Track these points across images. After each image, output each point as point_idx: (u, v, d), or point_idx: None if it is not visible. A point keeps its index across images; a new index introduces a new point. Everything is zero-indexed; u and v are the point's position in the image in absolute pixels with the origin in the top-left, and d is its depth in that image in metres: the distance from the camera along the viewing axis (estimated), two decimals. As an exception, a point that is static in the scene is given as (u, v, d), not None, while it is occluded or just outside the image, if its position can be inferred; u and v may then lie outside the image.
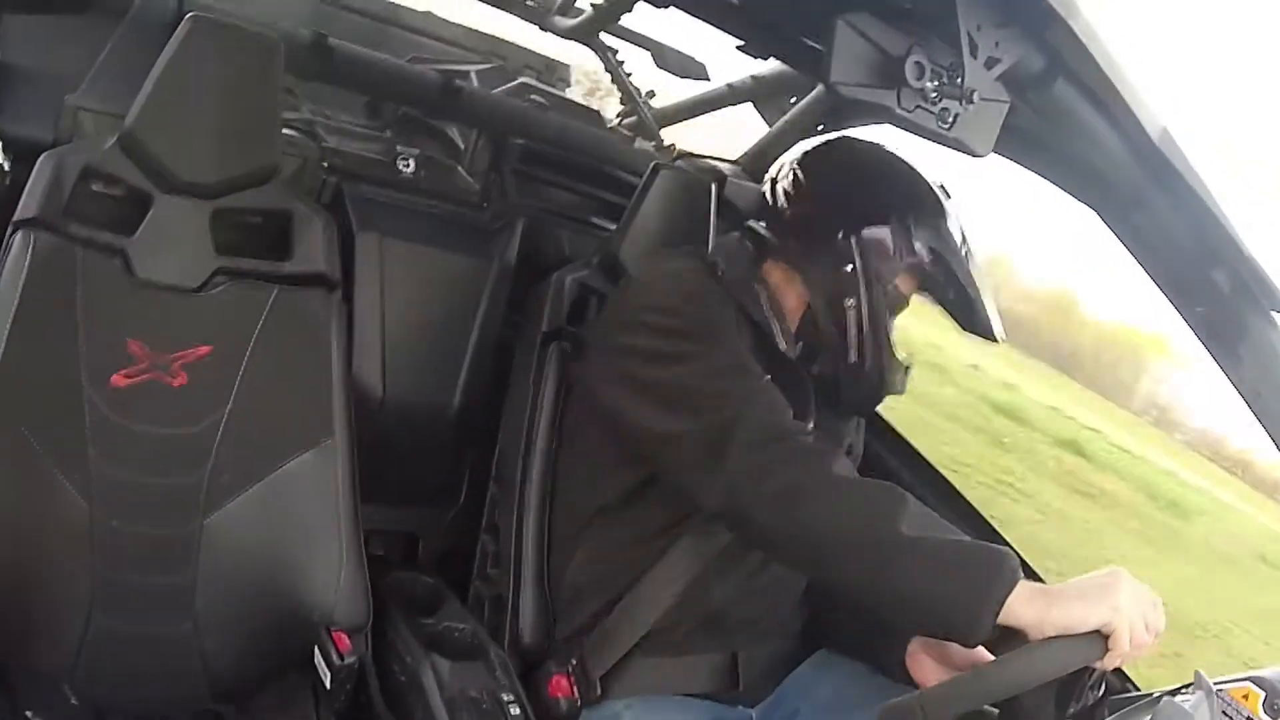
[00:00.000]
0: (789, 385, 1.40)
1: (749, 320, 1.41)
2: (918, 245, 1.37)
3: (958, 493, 1.85)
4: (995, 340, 1.44)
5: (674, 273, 1.43)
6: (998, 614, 1.06)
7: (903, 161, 1.45)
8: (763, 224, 1.47)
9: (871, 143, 1.48)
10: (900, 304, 1.43)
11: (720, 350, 1.32)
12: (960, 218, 1.42)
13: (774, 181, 1.49)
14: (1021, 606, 1.06)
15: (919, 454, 1.91)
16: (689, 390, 1.27)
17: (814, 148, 1.50)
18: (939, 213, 1.40)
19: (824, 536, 1.16)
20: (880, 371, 1.41)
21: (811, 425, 1.42)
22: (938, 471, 1.89)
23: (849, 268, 1.37)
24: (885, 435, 1.89)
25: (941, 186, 1.43)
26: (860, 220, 1.38)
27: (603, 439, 1.41)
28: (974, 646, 1.14)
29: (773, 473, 1.18)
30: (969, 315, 1.42)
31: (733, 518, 1.25)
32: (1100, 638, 1.05)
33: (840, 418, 1.53)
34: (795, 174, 1.46)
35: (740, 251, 1.47)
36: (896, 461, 1.88)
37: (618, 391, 1.35)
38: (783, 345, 1.42)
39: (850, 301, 1.38)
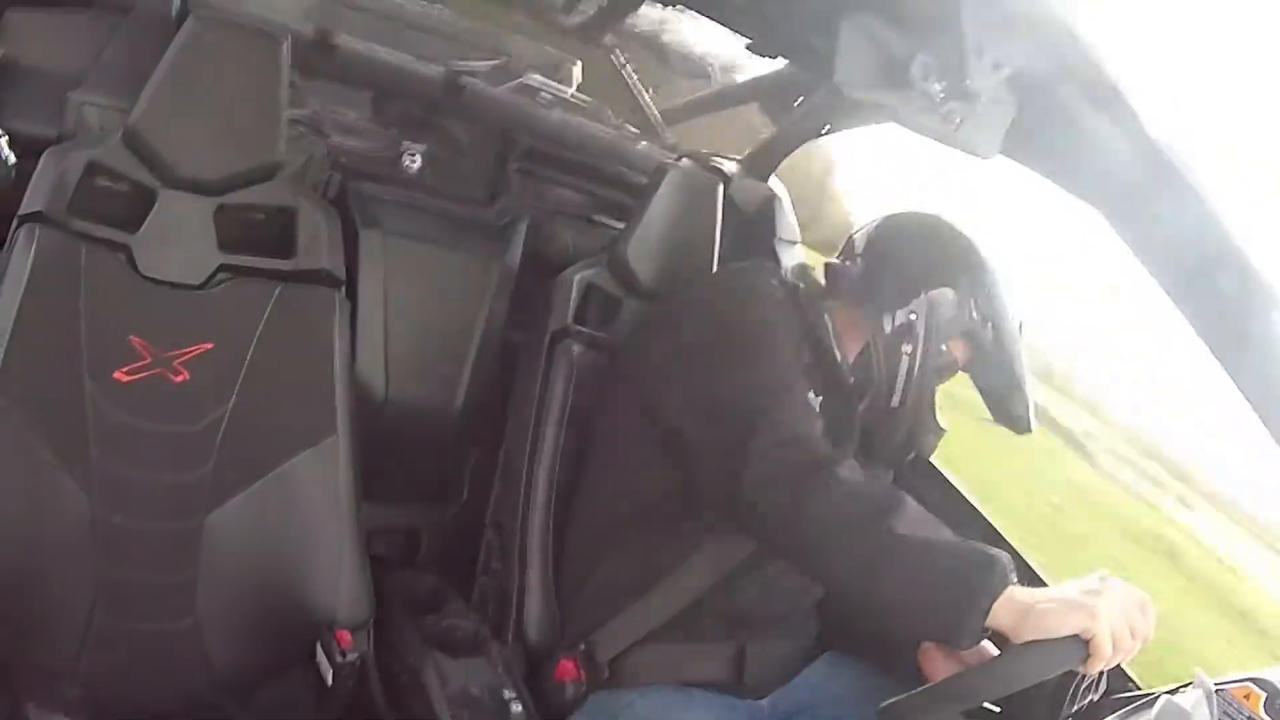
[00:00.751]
0: (839, 410, 1.45)
1: (812, 341, 1.45)
2: (976, 312, 1.45)
3: (969, 503, 1.84)
4: (1028, 430, 1.50)
5: (750, 281, 1.49)
6: (985, 618, 1.07)
7: (970, 239, 1.51)
8: (836, 266, 1.55)
9: (948, 220, 1.55)
10: (949, 370, 1.48)
11: (769, 366, 1.35)
12: (1019, 305, 1.49)
13: (852, 237, 1.57)
14: (1003, 611, 1.06)
15: (946, 479, 1.91)
16: (726, 402, 1.31)
17: (896, 216, 1.57)
18: (1002, 289, 1.47)
19: (820, 535, 1.18)
20: (915, 424, 1.46)
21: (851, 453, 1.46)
22: (950, 482, 1.88)
23: (912, 316, 1.43)
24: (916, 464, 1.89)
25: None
26: (930, 278, 1.45)
27: (648, 438, 1.42)
28: (963, 649, 1.14)
29: (784, 478, 1.20)
30: (1007, 402, 1.49)
31: (744, 520, 1.28)
32: (1080, 643, 1.04)
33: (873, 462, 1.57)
34: (872, 231, 1.55)
35: (813, 280, 1.54)
36: (930, 491, 1.87)
37: (678, 398, 1.38)
38: (844, 367, 1.47)
39: (908, 348, 1.44)
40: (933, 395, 1.46)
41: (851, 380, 1.48)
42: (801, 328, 1.45)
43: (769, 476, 1.21)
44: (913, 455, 1.55)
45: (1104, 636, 1.04)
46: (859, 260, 1.53)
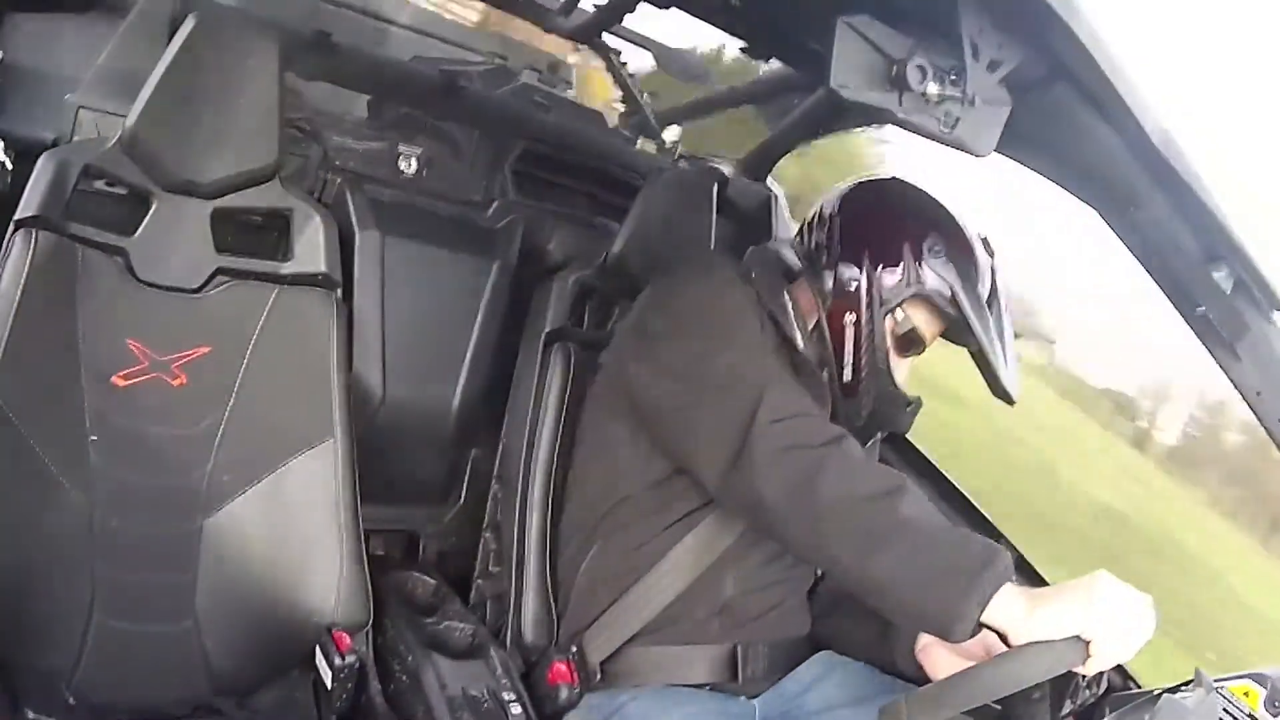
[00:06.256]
0: (810, 391, 1.41)
1: (775, 326, 1.43)
2: (927, 275, 1.37)
3: (966, 499, 1.85)
4: (1010, 402, 1.42)
5: (707, 272, 1.48)
6: (980, 612, 1.06)
7: (940, 207, 1.45)
8: (795, 247, 1.51)
9: (914, 186, 1.50)
10: (916, 342, 1.43)
11: (744, 342, 1.35)
12: (994, 271, 1.42)
13: (816, 213, 1.51)
14: (1003, 609, 1.06)
15: (929, 459, 1.91)
16: (713, 374, 1.29)
17: (855, 185, 1.52)
18: (964, 255, 1.40)
19: (828, 509, 1.15)
20: (877, 398, 1.42)
21: None
22: (947, 477, 1.89)
23: (854, 285, 1.40)
24: (894, 441, 1.89)
25: (984, 240, 1.44)
26: (874, 245, 1.40)
27: (629, 431, 1.42)
28: (956, 643, 1.12)
29: (793, 450, 1.19)
30: (987, 371, 1.42)
31: (748, 494, 1.24)
32: (1080, 643, 1.04)
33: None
34: (833, 205, 1.49)
35: (772, 264, 1.50)
36: (909, 470, 1.88)
37: (644, 375, 1.37)
38: (805, 348, 1.44)
39: (850, 317, 1.40)
40: (887, 360, 1.40)
41: (813, 358, 1.44)
42: (762, 311, 1.42)
43: (780, 449, 1.19)
44: (885, 432, 1.50)
45: (1104, 637, 1.03)
46: (814, 238, 1.48)
